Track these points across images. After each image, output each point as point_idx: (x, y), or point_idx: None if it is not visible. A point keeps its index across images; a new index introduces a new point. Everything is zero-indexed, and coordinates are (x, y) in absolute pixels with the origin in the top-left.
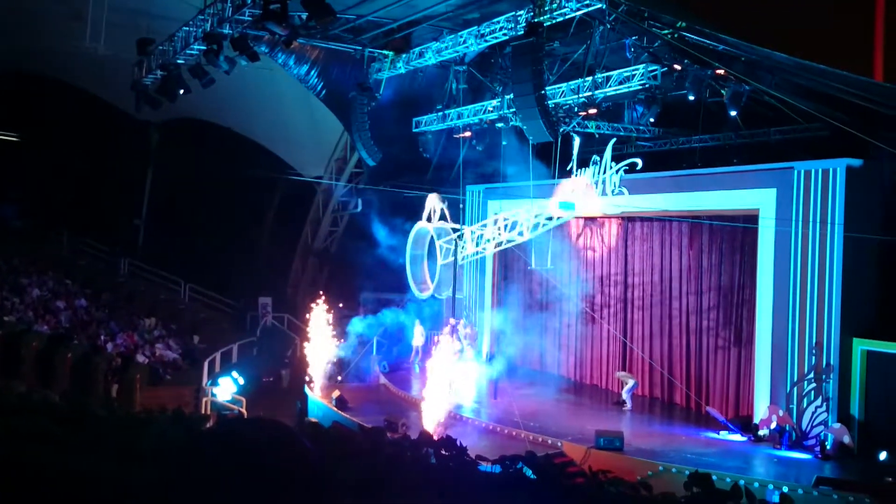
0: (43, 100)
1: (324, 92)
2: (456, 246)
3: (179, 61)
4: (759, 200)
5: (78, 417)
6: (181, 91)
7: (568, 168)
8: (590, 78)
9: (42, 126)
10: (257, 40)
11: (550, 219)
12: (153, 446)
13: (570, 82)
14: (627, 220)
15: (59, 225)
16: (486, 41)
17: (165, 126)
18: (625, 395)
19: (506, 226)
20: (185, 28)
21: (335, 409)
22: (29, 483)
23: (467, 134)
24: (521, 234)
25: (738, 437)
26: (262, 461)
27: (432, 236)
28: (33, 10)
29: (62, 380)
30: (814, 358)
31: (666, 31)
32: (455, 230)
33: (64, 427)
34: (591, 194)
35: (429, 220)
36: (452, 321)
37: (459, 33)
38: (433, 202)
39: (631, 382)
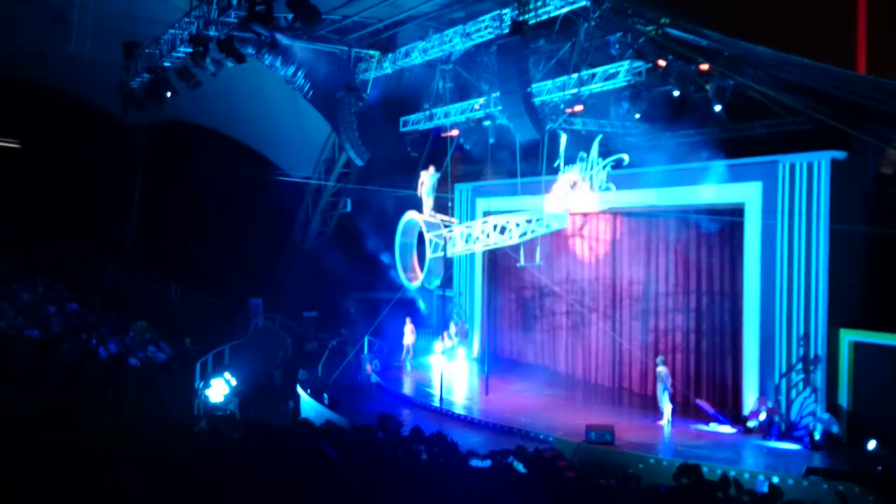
0: (28, 104)
1: (311, 93)
2: (446, 242)
3: (166, 64)
4: (745, 194)
5: (66, 422)
6: (168, 94)
7: (555, 165)
8: (575, 75)
9: (27, 131)
10: (243, 42)
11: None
12: (143, 450)
13: (556, 79)
14: (615, 215)
15: (47, 229)
16: (471, 40)
17: (153, 129)
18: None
19: (495, 227)
20: (171, 31)
21: (327, 408)
22: (17, 488)
23: (455, 132)
24: (510, 237)
25: (727, 429)
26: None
27: (421, 229)
28: (15, 14)
29: (54, 385)
30: (801, 349)
31: (650, 28)
32: (446, 225)
33: (52, 432)
34: (581, 191)
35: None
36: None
37: (445, 32)
38: (424, 177)
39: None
